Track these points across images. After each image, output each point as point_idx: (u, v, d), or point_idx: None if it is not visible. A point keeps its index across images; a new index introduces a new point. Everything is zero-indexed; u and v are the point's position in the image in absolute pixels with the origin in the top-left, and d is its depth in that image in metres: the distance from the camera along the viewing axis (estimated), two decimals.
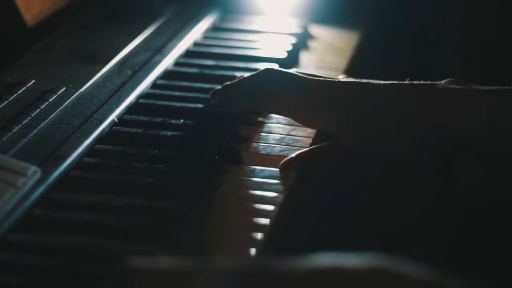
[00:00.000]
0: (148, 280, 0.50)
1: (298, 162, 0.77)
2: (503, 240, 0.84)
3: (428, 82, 0.76)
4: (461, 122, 0.73)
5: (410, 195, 0.88)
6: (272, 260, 0.51)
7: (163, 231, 0.65)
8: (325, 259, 0.49)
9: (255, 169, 0.76)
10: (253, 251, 0.64)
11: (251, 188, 0.73)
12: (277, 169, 0.76)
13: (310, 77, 0.79)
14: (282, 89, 0.79)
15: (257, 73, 0.81)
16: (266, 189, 0.73)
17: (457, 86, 0.75)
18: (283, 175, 0.75)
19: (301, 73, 0.81)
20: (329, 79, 0.79)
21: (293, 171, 0.76)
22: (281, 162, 0.77)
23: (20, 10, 0.93)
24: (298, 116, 0.80)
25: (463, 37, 1.26)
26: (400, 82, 0.77)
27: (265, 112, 0.85)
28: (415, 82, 0.76)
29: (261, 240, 0.66)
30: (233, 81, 0.84)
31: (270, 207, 0.70)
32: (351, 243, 0.79)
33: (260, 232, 0.66)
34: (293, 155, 0.77)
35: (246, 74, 0.84)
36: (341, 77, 0.81)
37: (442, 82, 0.76)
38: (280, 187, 0.73)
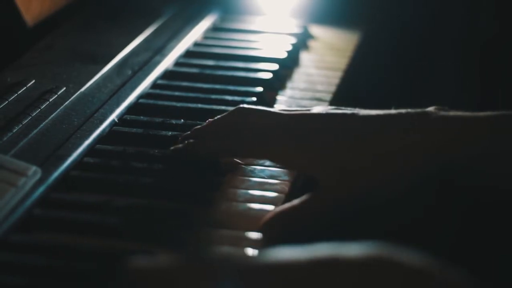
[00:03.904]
0: (149, 278, 0.51)
1: (279, 221, 0.68)
2: (503, 240, 0.84)
3: (418, 110, 0.69)
4: (459, 151, 0.67)
5: (410, 195, 0.88)
6: (271, 252, 0.50)
7: (163, 231, 0.65)
8: (324, 249, 0.49)
9: (255, 169, 0.76)
10: (253, 251, 0.64)
11: (251, 188, 0.73)
12: (278, 169, 0.76)
13: (287, 112, 0.72)
14: (260, 131, 0.71)
15: (228, 114, 0.74)
16: (266, 189, 0.73)
17: (446, 113, 0.69)
18: (265, 237, 0.65)
19: (282, 110, 0.74)
20: (308, 113, 0.71)
21: (276, 230, 0.67)
22: (261, 223, 0.67)
23: (20, 10, 0.94)
24: (280, 159, 0.72)
25: (463, 37, 1.26)
26: (387, 113, 0.70)
27: (241, 154, 0.76)
28: (403, 111, 0.69)
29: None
30: (203, 124, 0.76)
31: (270, 207, 0.70)
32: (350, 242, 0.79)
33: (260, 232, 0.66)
34: (270, 214, 0.68)
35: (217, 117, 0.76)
36: (318, 109, 0.73)
37: (430, 109, 0.70)
38: (280, 187, 0.73)
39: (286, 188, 0.73)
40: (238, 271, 0.49)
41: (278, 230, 0.67)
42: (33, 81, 0.85)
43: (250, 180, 0.74)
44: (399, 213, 0.71)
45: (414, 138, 0.68)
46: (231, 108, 0.76)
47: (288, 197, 0.72)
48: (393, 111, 0.70)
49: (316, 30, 1.12)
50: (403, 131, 0.68)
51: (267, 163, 0.77)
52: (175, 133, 0.79)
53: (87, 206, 0.68)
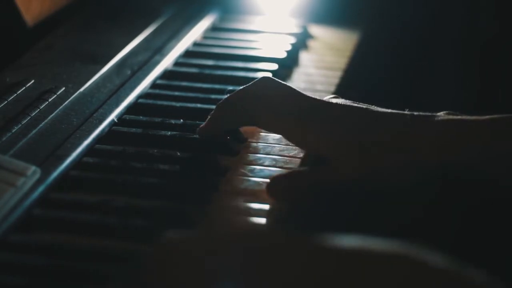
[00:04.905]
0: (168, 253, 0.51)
1: (284, 182, 0.72)
2: (503, 240, 0.84)
3: (428, 114, 0.72)
4: (459, 153, 0.70)
5: (410, 195, 0.88)
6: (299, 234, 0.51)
7: (163, 231, 0.65)
8: (352, 241, 0.50)
9: (255, 169, 0.76)
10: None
11: (251, 188, 0.73)
12: (277, 169, 0.76)
13: (309, 96, 0.75)
14: (279, 104, 0.74)
15: (254, 82, 0.77)
16: None
17: (454, 117, 0.72)
18: (269, 193, 0.71)
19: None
20: (327, 101, 0.75)
21: (280, 190, 0.72)
22: (268, 183, 0.72)
23: (20, 10, 0.94)
24: (293, 136, 0.74)
25: (463, 37, 1.26)
26: (399, 112, 0.73)
27: (258, 125, 0.79)
28: (415, 113, 0.73)
29: None
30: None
31: (270, 207, 0.70)
32: None
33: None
34: (282, 174, 0.73)
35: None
36: (330, 97, 0.77)
37: (441, 113, 0.73)
38: None
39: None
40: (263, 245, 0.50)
41: (281, 190, 0.71)
42: (33, 81, 0.85)
43: (250, 180, 0.74)
44: (400, 205, 0.74)
45: (420, 137, 0.71)
46: None
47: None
48: (406, 112, 0.73)
49: (316, 30, 1.12)
50: (411, 130, 0.71)
51: (267, 162, 0.77)
52: (175, 133, 0.79)
53: (86, 206, 0.68)
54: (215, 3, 1.12)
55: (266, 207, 0.70)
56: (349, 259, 0.49)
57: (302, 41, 1.07)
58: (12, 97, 0.81)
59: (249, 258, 0.49)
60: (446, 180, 0.72)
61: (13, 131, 0.75)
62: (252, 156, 0.79)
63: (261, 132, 0.83)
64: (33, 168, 0.68)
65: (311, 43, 1.09)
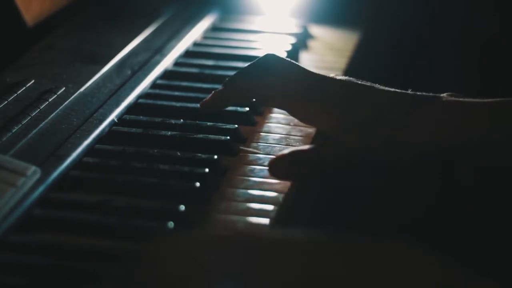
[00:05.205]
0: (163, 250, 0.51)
1: (290, 161, 0.73)
2: (503, 240, 0.84)
3: (431, 94, 0.74)
4: (460, 135, 0.71)
5: (410, 195, 0.88)
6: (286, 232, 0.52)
7: (163, 231, 0.65)
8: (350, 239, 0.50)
9: (254, 168, 0.76)
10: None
11: (251, 188, 0.73)
12: None
13: (313, 72, 0.77)
14: (284, 79, 0.76)
15: (259, 59, 0.78)
16: (266, 188, 0.73)
17: (457, 99, 0.73)
18: (272, 171, 0.73)
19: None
20: (332, 77, 0.76)
21: (283, 173, 0.73)
22: (271, 160, 0.74)
23: (20, 10, 0.93)
24: (299, 111, 0.76)
25: (463, 37, 1.26)
26: (403, 91, 0.75)
27: (263, 102, 0.82)
28: (417, 93, 0.74)
29: None
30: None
31: (270, 207, 0.70)
32: None
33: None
34: (285, 151, 0.74)
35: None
36: (334, 75, 0.78)
37: (443, 95, 0.74)
38: (280, 187, 0.73)
39: (286, 188, 0.73)
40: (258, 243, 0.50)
41: (285, 167, 0.73)
42: (33, 81, 0.85)
43: (250, 180, 0.74)
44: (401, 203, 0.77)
45: (420, 117, 0.72)
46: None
47: (288, 196, 0.72)
48: (408, 92, 0.74)
49: (316, 30, 1.12)
50: (412, 109, 0.72)
51: (267, 163, 0.77)
52: (175, 133, 0.79)
53: (86, 206, 0.68)
54: (215, 3, 1.12)
55: (266, 207, 0.70)
56: (348, 257, 0.49)
57: (302, 41, 1.07)
58: (12, 97, 0.81)
59: (248, 258, 0.49)
60: (445, 163, 0.73)
61: (13, 131, 0.75)
62: (252, 156, 0.79)
63: (261, 132, 0.83)
64: (33, 168, 0.68)
65: (311, 43, 1.09)
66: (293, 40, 1.05)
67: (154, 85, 0.91)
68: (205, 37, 1.06)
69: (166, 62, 0.95)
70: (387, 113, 0.72)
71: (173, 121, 0.82)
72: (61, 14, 1.01)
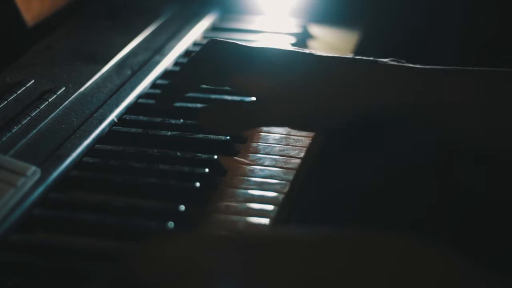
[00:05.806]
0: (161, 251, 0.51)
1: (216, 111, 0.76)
2: (503, 240, 0.84)
3: (371, 59, 0.75)
4: (394, 97, 0.72)
5: (410, 195, 0.88)
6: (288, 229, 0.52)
7: (163, 231, 0.65)
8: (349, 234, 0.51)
9: (254, 168, 0.76)
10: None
11: (251, 188, 0.73)
12: (277, 169, 0.76)
13: (251, 46, 0.77)
14: (225, 61, 0.76)
15: (202, 47, 0.79)
16: (266, 188, 0.73)
17: (395, 64, 0.74)
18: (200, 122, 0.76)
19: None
20: (270, 47, 0.77)
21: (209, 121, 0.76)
22: (200, 109, 0.79)
23: (20, 10, 0.94)
24: (237, 85, 0.76)
25: (463, 37, 1.26)
26: (342, 56, 0.76)
27: (209, 85, 0.85)
28: (356, 57, 0.75)
29: None
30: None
31: (270, 207, 0.70)
32: None
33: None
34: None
35: None
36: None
37: (384, 60, 0.75)
38: (280, 187, 0.73)
39: (286, 188, 0.73)
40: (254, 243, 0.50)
41: (210, 116, 0.75)
42: (33, 81, 0.85)
43: (250, 180, 0.74)
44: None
45: (355, 79, 0.73)
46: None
47: (288, 196, 0.73)
48: (348, 56, 0.76)
49: (316, 30, 1.12)
50: (348, 71, 0.73)
51: (267, 162, 0.77)
52: (175, 133, 0.79)
53: (86, 206, 0.68)
54: (215, 3, 1.12)
55: (266, 207, 0.70)
56: (347, 254, 0.49)
57: (302, 41, 1.07)
58: (12, 97, 0.81)
59: (248, 258, 0.49)
60: (446, 177, 0.72)
61: (13, 131, 0.75)
62: (252, 156, 0.79)
63: (261, 132, 0.83)
64: (33, 168, 0.68)
65: (311, 43, 1.09)
66: (293, 40, 1.05)
67: (154, 85, 0.91)
68: (205, 37, 1.06)
69: (166, 62, 0.95)
70: (322, 78, 0.73)
71: (173, 121, 0.82)
72: (61, 14, 1.01)
